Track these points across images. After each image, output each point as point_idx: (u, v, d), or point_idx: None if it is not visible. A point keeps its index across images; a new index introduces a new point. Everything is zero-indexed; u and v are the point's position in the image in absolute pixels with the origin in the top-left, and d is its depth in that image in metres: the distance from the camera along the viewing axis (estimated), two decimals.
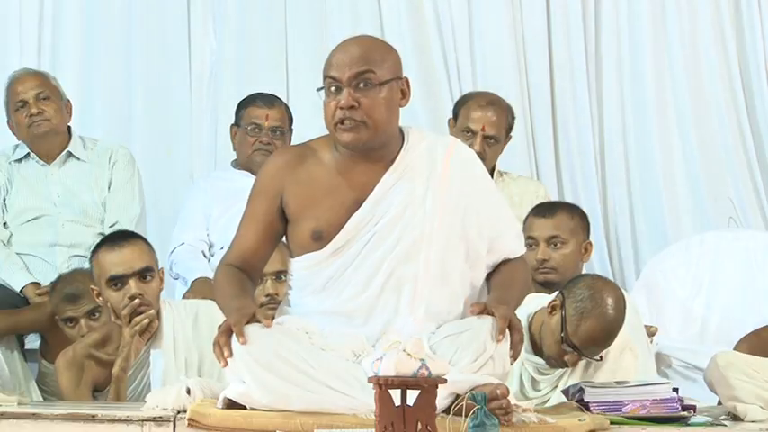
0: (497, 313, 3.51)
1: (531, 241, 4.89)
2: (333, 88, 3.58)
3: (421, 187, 3.62)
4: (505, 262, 3.75)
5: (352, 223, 3.59)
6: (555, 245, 4.86)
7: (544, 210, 4.98)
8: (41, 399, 4.81)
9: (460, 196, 3.65)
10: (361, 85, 3.56)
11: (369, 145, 3.58)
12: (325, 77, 3.60)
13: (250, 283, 3.72)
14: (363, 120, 3.55)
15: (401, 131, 3.70)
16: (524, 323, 4.29)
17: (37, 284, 5.06)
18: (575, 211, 4.97)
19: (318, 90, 3.62)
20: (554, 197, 5.87)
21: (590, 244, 4.95)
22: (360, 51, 3.60)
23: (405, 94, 3.66)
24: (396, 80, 3.63)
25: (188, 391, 3.66)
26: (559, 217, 4.90)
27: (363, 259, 3.59)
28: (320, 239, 3.61)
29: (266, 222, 3.67)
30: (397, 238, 3.59)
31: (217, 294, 3.70)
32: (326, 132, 3.66)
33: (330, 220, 3.60)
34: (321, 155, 3.68)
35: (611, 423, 3.68)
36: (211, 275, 5.19)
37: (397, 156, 3.65)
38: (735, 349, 4.54)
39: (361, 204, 3.60)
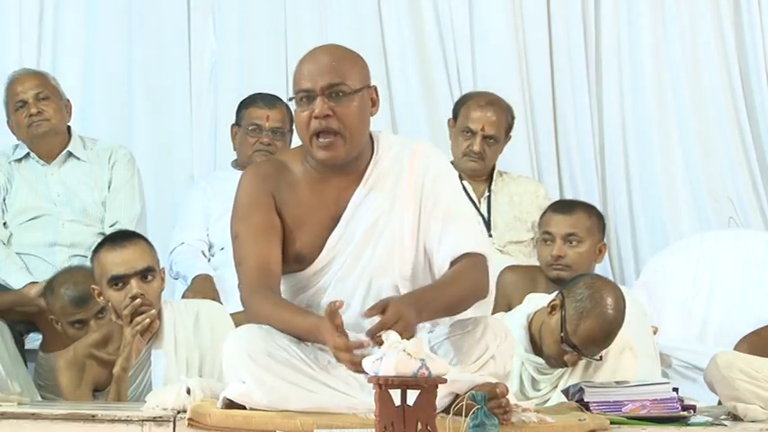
0: (390, 310, 3.28)
1: (547, 236, 4.89)
2: (305, 99, 3.55)
3: (388, 197, 3.60)
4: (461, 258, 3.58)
5: (331, 243, 3.57)
6: (571, 242, 4.86)
7: (563, 207, 4.99)
8: (38, 393, 4.80)
9: (423, 205, 3.61)
10: (334, 94, 3.53)
11: (345, 159, 3.56)
12: (297, 90, 3.58)
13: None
14: (339, 130, 3.52)
15: (371, 138, 3.68)
16: (524, 323, 4.31)
17: (36, 284, 5.06)
18: (592, 212, 4.98)
19: (290, 100, 3.61)
20: (554, 197, 5.87)
21: (604, 245, 4.96)
22: (330, 61, 3.56)
23: (374, 103, 3.63)
24: (366, 89, 3.59)
25: (188, 391, 3.66)
26: (578, 215, 4.90)
27: (343, 277, 3.58)
28: (302, 261, 3.59)
29: (272, 230, 3.58)
30: (371, 252, 3.58)
31: (272, 320, 3.48)
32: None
33: (310, 241, 3.58)
34: (294, 169, 3.65)
35: (611, 423, 3.68)
36: (211, 273, 5.21)
37: (367, 166, 3.62)
38: (735, 349, 4.54)
39: (337, 221, 3.58)
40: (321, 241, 3.58)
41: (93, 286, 4.40)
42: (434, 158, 3.71)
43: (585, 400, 3.84)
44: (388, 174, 3.62)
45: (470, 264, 3.55)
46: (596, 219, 4.95)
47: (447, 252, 3.57)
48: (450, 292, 3.49)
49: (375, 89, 3.64)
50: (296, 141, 5.58)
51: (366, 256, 3.57)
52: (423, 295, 3.44)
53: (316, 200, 3.57)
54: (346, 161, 3.58)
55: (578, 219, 4.90)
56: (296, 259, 3.59)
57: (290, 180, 3.63)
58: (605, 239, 6.21)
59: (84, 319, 4.70)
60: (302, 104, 3.56)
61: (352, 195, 3.60)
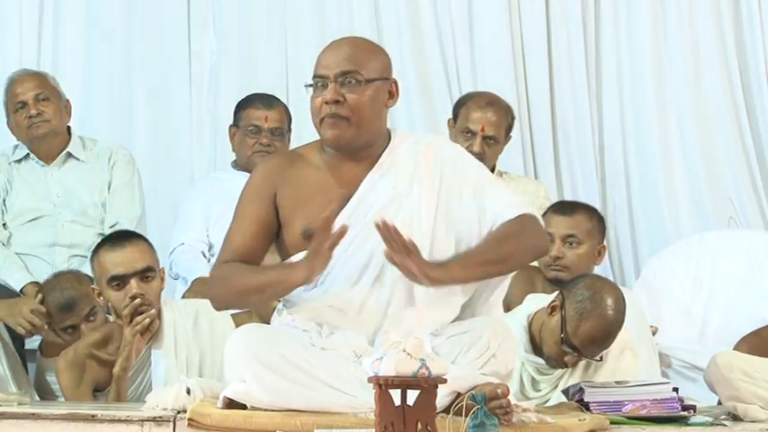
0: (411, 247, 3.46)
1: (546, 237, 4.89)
2: (320, 84, 3.65)
3: (405, 181, 3.66)
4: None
5: (341, 219, 3.58)
6: (570, 244, 4.86)
7: (564, 208, 4.99)
8: (36, 395, 4.80)
9: (443, 188, 3.67)
10: (348, 81, 3.62)
11: (352, 143, 3.64)
12: (314, 76, 3.67)
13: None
14: (348, 116, 3.61)
15: (388, 132, 3.76)
16: (524, 323, 4.31)
17: (37, 284, 5.06)
18: (593, 214, 4.98)
19: (307, 86, 3.69)
20: (554, 197, 5.87)
21: (603, 248, 4.96)
22: (347, 51, 3.67)
23: (392, 95, 3.72)
24: (382, 80, 3.68)
25: (188, 391, 3.67)
26: (578, 217, 4.91)
27: (352, 254, 3.60)
28: (310, 237, 3.59)
29: (260, 223, 3.69)
30: None
31: (238, 280, 3.62)
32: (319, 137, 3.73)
33: (319, 215, 3.58)
34: (309, 157, 3.74)
35: (611, 423, 3.68)
36: None
37: (381, 154, 3.70)
38: (735, 349, 4.54)
39: (348, 200, 3.63)
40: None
41: (93, 287, 4.41)
42: (449, 147, 3.83)
43: (585, 400, 3.84)
44: (403, 161, 3.68)
45: (522, 222, 3.64)
46: (597, 221, 4.95)
47: (491, 217, 3.66)
48: (500, 248, 3.58)
49: (394, 82, 3.73)
50: (295, 141, 5.64)
51: (377, 237, 3.52)
52: (466, 252, 3.57)
53: (328, 179, 3.66)
54: (355, 145, 3.65)
55: (579, 220, 4.90)
56: (305, 235, 3.61)
57: (302, 165, 3.72)
58: (605, 240, 6.24)
59: (74, 324, 4.71)
60: (316, 90, 3.66)
61: (364, 179, 3.66)
